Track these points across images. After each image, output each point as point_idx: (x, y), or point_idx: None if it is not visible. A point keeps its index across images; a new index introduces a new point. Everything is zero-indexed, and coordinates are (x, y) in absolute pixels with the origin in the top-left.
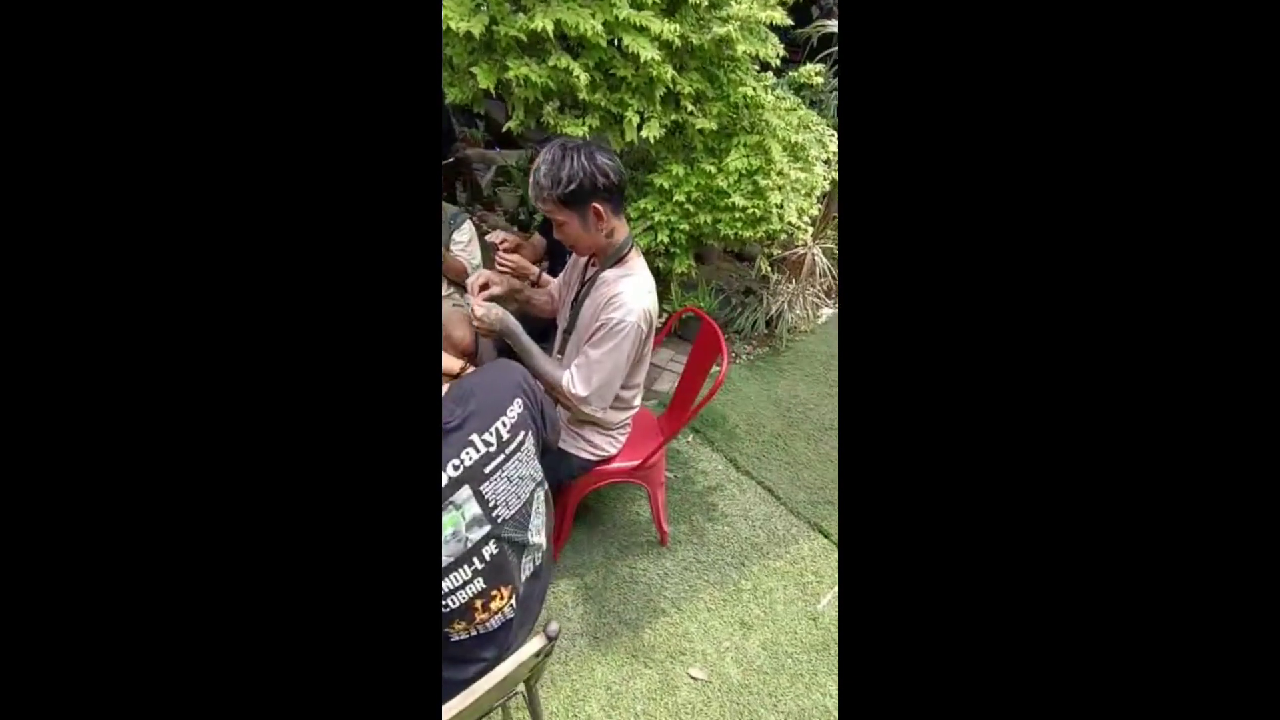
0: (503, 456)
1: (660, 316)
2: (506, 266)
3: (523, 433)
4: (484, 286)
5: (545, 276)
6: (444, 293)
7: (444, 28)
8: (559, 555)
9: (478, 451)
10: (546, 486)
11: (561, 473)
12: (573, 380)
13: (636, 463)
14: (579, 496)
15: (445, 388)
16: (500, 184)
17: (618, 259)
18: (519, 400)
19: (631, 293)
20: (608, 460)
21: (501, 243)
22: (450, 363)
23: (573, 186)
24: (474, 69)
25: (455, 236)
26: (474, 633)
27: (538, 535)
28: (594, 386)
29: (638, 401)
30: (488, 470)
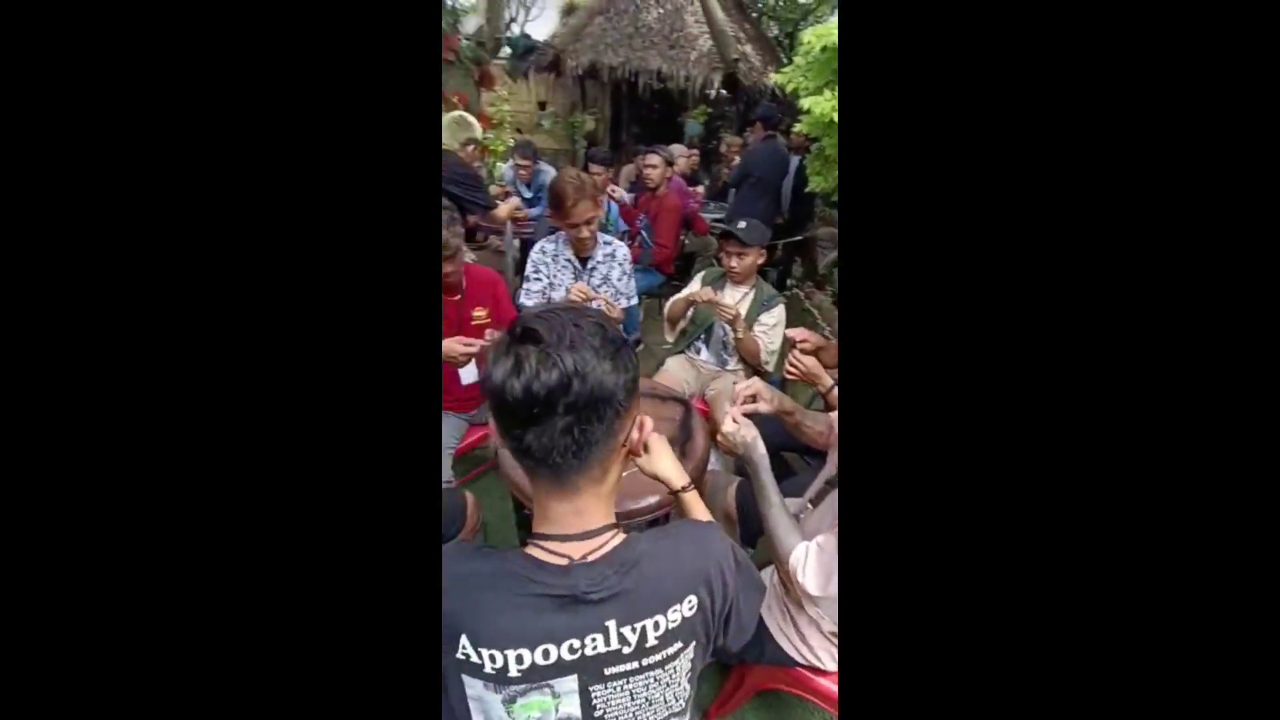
0: (634, 666)
1: None
2: (796, 371)
3: (678, 645)
4: (751, 399)
5: (834, 396)
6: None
7: (824, 117)
8: None
9: (606, 645)
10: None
11: (751, 647)
12: (804, 565)
13: None
14: (763, 683)
15: (618, 538)
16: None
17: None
18: (695, 599)
19: None
20: (818, 671)
21: (801, 340)
22: (669, 470)
23: None
24: None
25: (763, 318)
26: None
27: None
28: (827, 589)
29: None
30: (609, 672)
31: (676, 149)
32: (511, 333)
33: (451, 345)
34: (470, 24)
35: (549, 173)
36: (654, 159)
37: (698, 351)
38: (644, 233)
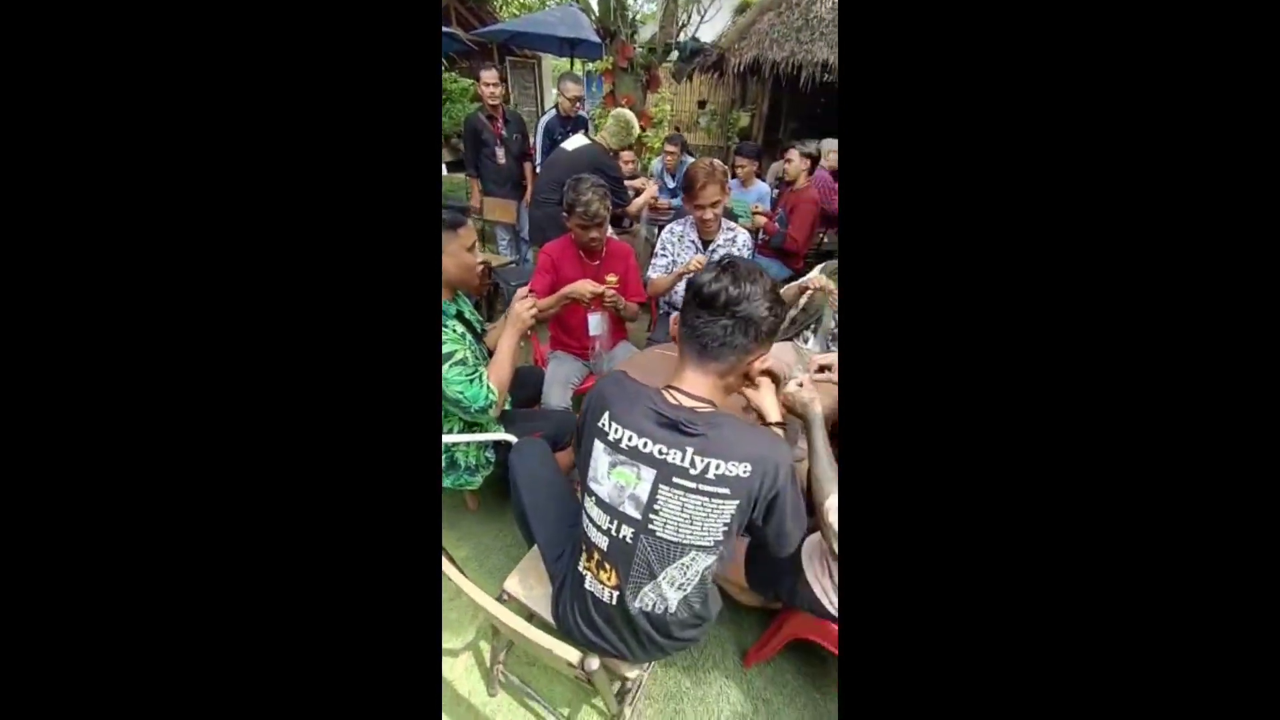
0: (693, 486)
1: None
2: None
3: (726, 491)
4: (822, 369)
5: None
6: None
7: None
8: (750, 665)
9: (681, 461)
10: (715, 565)
11: (788, 585)
12: (835, 508)
13: None
14: (798, 632)
15: (717, 411)
16: None
17: None
18: (750, 467)
19: None
20: None
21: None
22: (768, 405)
23: None
24: None
25: None
26: (582, 572)
27: (671, 589)
28: None
29: None
30: (675, 481)
31: (828, 144)
32: (721, 261)
33: (583, 284)
34: (646, 33)
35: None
36: (791, 153)
37: (805, 340)
38: (778, 224)
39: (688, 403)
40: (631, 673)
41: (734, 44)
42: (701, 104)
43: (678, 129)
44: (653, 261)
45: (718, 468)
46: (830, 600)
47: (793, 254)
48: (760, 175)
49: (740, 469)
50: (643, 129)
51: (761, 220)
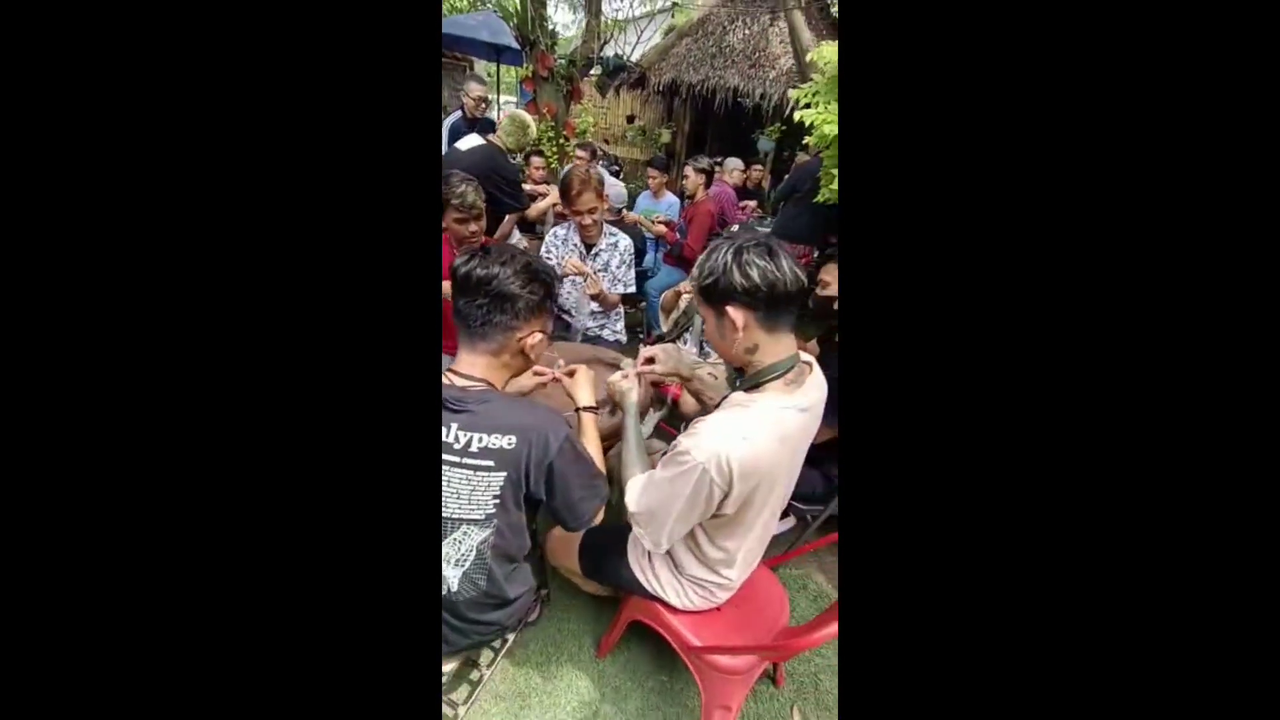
0: (456, 460)
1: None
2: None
3: (490, 464)
4: (649, 360)
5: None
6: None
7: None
8: (602, 655)
9: (448, 438)
10: (491, 538)
11: (613, 569)
12: (633, 488)
13: (700, 644)
14: (634, 614)
15: (489, 390)
16: None
17: (753, 385)
18: (515, 439)
19: (713, 430)
20: (668, 608)
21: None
22: (580, 392)
23: (709, 280)
24: None
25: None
26: None
27: (448, 566)
28: (642, 506)
29: (733, 575)
30: (447, 458)
31: (731, 162)
32: (481, 249)
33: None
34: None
35: (603, 173)
36: (687, 169)
37: (685, 341)
38: (679, 234)
39: (460, 383)
40: (448, 665)
41: (654, 64)
42: (630, 119)
43: (606, 141)
44: None
45: (481, 441)
46: (647, 578)
47: (692, 261)
48: (672, 187)
49: (504, 441)
50: (565, 138)
51: (662, 229)
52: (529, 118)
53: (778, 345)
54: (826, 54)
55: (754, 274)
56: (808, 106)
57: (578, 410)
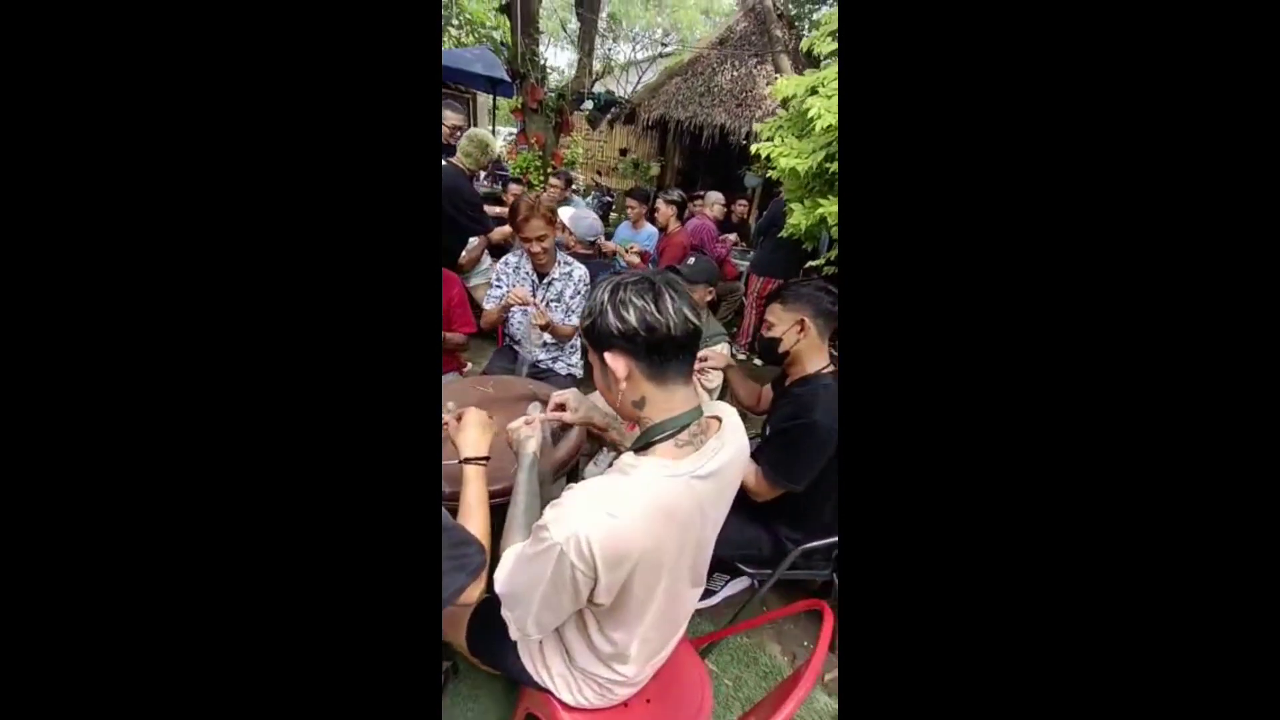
0: None
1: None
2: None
3: None
4: (560, 407)
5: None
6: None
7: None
8: None
9: None
10: None
11: (505, 657)
12: (505, 561)
13: None
14: (528, 708)
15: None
16: None
17: (642, 446)
18: None
19: (577, 503)
20: (563, 704)
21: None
22: (464, 440)
23: (587, 322)
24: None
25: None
26: None
27: None
28: (507, 587)
29: (629, 671)
30: None
31: (712, 196)
32: None
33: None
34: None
35: (578, 202)
36: (659, 203)
37: None
38: (650, 266)
39: None
40: None
41: (644, 100)
42: (623, 152)
43: (599, 173)
44: (489, 293)
45: None
46: (537, 671)
47: None
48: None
49: None
50: (554, 168)
51: (635, 260)
52: (490, 136)
53: (670, 399)
54: (784, 89)
55: (630, 316)
56: (770, 140)
57: (460, 462)
